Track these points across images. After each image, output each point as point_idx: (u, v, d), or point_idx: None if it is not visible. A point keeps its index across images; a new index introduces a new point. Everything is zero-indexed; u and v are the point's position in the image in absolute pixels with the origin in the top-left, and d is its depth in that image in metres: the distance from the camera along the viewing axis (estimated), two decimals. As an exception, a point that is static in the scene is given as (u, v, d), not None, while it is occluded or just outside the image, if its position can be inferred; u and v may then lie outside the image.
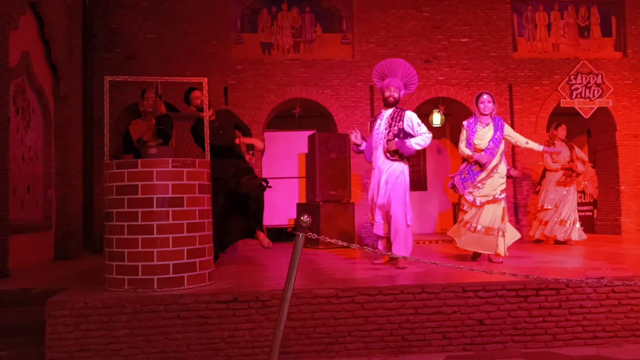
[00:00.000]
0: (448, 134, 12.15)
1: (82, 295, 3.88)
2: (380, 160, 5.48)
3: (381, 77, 5.66)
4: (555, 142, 8.09)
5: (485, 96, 5.54)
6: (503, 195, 5.43)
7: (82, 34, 8.26)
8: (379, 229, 5.56)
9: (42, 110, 6.93)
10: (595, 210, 11.00)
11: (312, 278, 4.65)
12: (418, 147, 5.36)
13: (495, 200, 5.37)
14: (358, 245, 3.76)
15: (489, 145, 5.40)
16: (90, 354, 3.71)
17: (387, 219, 5.45)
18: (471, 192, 5.43)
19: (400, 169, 5.40)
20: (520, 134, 6.15)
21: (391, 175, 5.38)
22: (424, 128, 5.41)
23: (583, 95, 10.05)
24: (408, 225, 5.38)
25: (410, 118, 5.42)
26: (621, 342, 4.06)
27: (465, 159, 5.64)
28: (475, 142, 5.45)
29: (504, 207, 5.41)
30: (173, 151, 4.93)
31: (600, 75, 10.06)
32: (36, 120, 6.77)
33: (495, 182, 5.40)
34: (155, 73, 8.83)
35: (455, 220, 11.85)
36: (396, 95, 5.49)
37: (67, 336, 3.70)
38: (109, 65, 9.09)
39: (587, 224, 10.45)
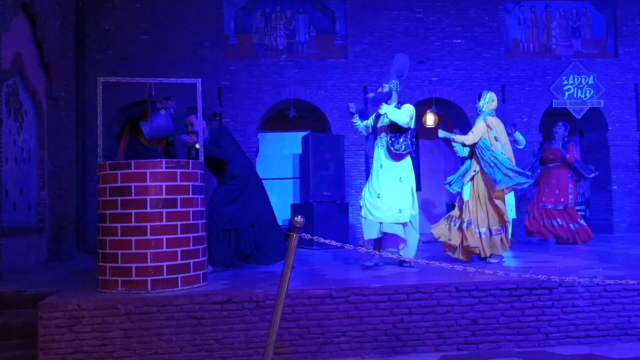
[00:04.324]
0: (441, 134, 12.18)
1: (75, 297, 3.86)
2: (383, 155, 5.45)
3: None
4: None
5: None
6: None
7: (75, 35, 8.23)
8: None
9: (35, 111, 6.90)
10: (587, 210, 11.07)
11: (306, 278, 4.66)
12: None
13: None
14: (352, 246, 3.77)
15: None
16: (83, 356, 3.69)
17: None
18: None
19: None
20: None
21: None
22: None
23: (575, 96, 10.12)
24: None
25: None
26: (614, 340, 4.09)
27: None
28: None
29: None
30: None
31: (592, 75, 10.13)
32: (29, 122, 6.74)
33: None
34: (148, 74, 8.78)
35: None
36: (384, 89, 5.40)
37: (60, 338, 3.69)
38: (102, 66, 9.04)
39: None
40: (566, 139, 8.00)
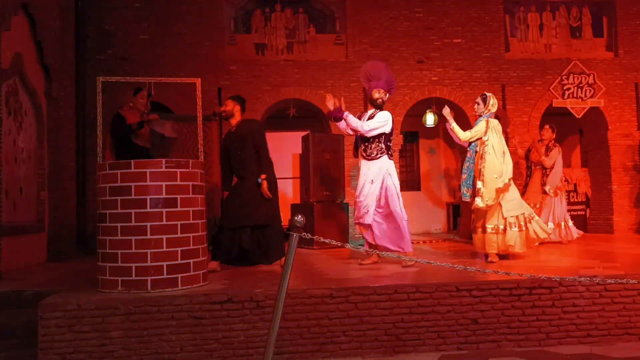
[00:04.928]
0: (441, 134, 12.18)
1: (75, 297, 3.86)
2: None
3: (368, 79, 5.73)
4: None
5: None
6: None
7: (74, 35, 8.22)
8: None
9: (34, 111, 6.89)
10: (587, 209, 11.06)
11: (306, 278, 4.65)
12: (350, 123, 5.43)
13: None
14: (352, 246, 3.77)
15: None
16: (84, 356, 3.69)
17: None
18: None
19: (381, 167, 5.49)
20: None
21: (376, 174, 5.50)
22: (372, 123, 5.43)
23: (575, 95, 10.11)
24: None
25: (378, 116, 5.49)
26: (614, 340, 4.09)
27: None
28: None
29: None
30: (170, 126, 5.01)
31: (592, 75, 10.12)
32: (29, 122, 6.73)
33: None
34: (148, 74, 8.79)
35: (449, 221, 11.91)
36: (385, 97, 5.62)
37: (60, 338, 3.69)
38: (101, 66, 9.04)
39: (580, 223, 10.50)
40: (554, 141, 7.99)
